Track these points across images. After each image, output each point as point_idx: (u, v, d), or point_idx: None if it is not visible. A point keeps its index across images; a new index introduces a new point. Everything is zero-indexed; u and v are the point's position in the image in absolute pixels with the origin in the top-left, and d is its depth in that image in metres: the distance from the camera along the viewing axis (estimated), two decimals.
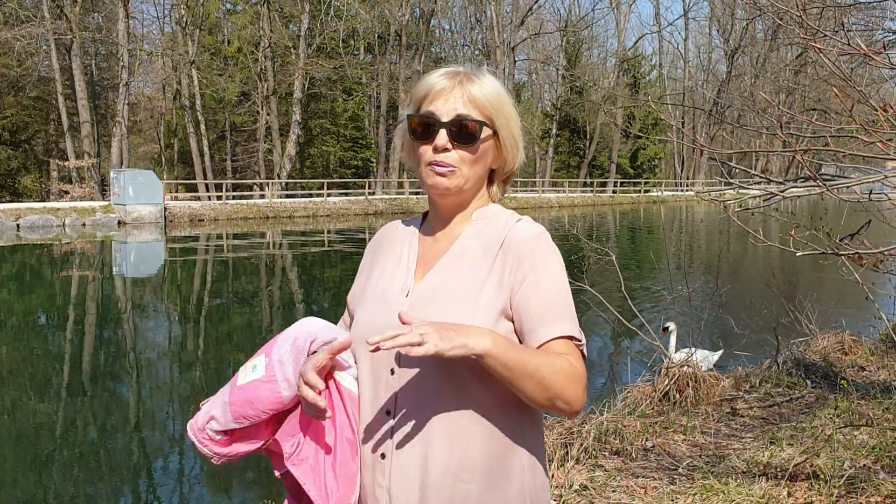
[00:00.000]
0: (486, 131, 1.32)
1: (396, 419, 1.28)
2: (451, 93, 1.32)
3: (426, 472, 1.25)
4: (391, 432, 1.28)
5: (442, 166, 1.32)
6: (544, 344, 1.26)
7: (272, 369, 1.35)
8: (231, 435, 1.39)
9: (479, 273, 1.30)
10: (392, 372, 1.29)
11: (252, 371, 1.38)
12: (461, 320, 1.23)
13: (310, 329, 1.38)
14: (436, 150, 1.31)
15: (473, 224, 1.38)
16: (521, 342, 1.28)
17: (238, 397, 1.36)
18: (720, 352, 6.99)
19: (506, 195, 1.47)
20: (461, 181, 1.33)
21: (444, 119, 1.30)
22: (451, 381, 1.25)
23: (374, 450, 1.30)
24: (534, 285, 1.28)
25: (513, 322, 1.29)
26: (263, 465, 5.36)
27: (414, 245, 1.42)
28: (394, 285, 1.37)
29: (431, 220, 1.42)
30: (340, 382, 1.33)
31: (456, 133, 1.31)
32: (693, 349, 5.81)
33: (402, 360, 1.28)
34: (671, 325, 7.46)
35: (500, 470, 1.27)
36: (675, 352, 7.32)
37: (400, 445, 1.27)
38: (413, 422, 1.26)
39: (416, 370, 1.27)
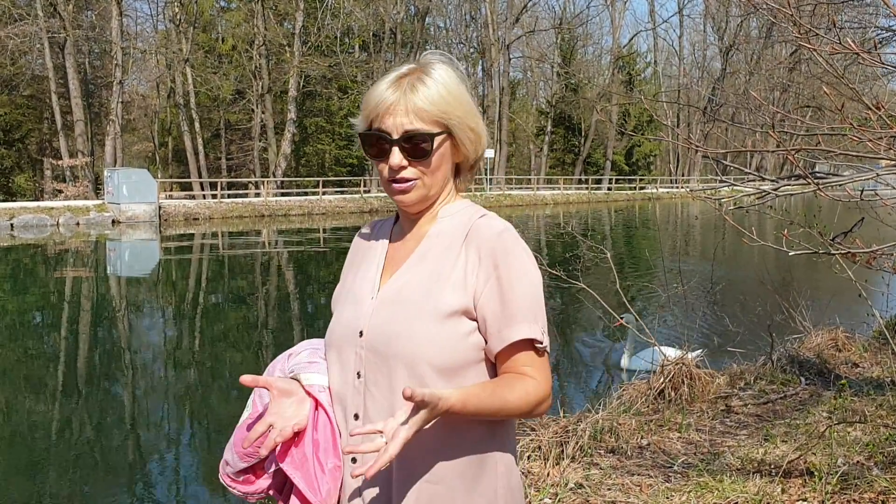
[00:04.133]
0: (438, 140, 1.29)
1: (364, 422, 1.30)
2: (397, 106, 1.28)
3: (393, 475, 1.26)
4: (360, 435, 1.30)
5: (402, 182, 1.31)
6: (505, 352, 1.27)
7: (255, 405, 1.41)
8: (254, 472, 1.42)
9: (441, 273, 1.30)
10: (358, 375, 1.31)
11: (246, 410, 1.44)
12: (421, 321, 1.26)
13: (286, 354, 1.44)
14: (392, 169, 1.30)
15: (439, 222, 1.37)
16: (486, 342, 1.29)
17: (238, 438, 1.40)
18: (699, 351, 6.95)
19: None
20: (424, 191, 1.33)
21: (395, 136, 1.28)
22: (418, 384, 1.26)
23: (346, 452, 1.31)
24: (496, 286, 1.26)
25: (477, 321, 1.28)
26: None
27: (385, 246, 1.42)
28: (364, 287, 1.38)
29: (402, 220, 1.43)
30: (306, 383, 1.36)
31: (408, 148, 1.28)
32: (686, 349, 5.80)
33: (368, 365, 1.30)
34: (629, 318, 7.29)
35: (468, 471, 1.28)
36: (638, 352, 7.31)
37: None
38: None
39: (381, 374, 1.28)
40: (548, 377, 1.28)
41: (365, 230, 1.50)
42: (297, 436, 1.33)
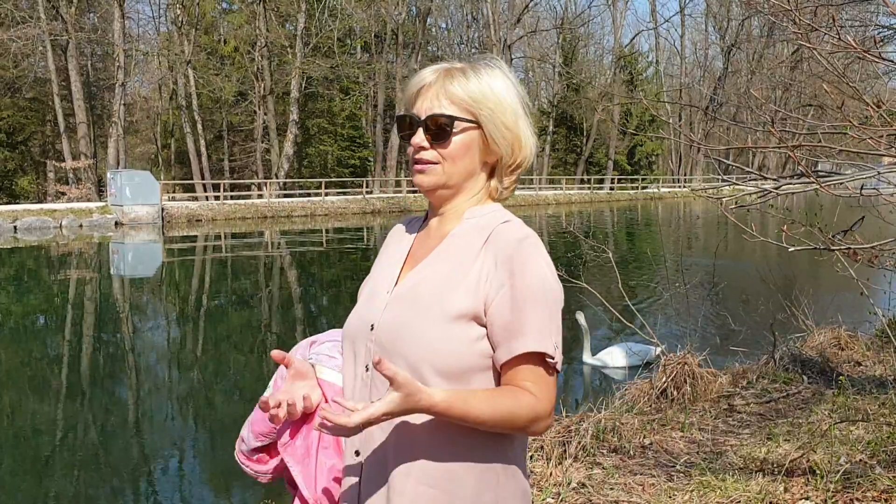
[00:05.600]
0: (460, 125, 1.29)
1: (361, 404, 1.28)
2: (430, 90, 1.31)
3: (391, 473, 1.25)
4: (364, 430, 1.28)
5: (420, 164, 1.32)
6: (511, 363, 1.23)
7: (277, 385, 1.43)
8: (268, 452, 1.44)
9: (455, 275, 1.28)
10: (367, 369, 1.31)
11: (268, 390, 1.46)
12: (427, 321, 1.25)
13: (308, 340, 1.46)
14: (414, 149, 1.32)
15: (463, 223, 1.35)
16: (493, 351, 1.25)
17: (256, 416, 1.42)
18: (662, 346, 7.03)
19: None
20: (441, 178, 1.32)
21: (422, 117, 1.30)
22: None
23: (351, 446, 1.32)
24: (508, 295, 1.23)
25: (486, 328, 1.25)
26: None
27: (410, 242, 1.42)
28: (383, 281, 1.38)
29: (429, 217, 1.42)
30: (321, 377, 1.38)
31: (433, 130, 1.30)
32: (689, 347, 5.80)
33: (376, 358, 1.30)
34: (578, 316, 7.47)
35: (467, 478, 1.25)
36: (597, 352, 7.58)
37: (370, 444, 1.28)
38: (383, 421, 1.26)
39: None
40: (550, 395, 1.23)
41: (397, 226, 1.50)
42: (303, 424, 1.34)
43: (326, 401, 1.35)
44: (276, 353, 1.32)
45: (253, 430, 1.41)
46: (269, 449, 1.43)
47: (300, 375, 1.36)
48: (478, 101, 1.29)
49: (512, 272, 1.24)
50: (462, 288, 1.25)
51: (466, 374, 1.24)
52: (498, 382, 1.27)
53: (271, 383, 1.45)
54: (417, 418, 1.24)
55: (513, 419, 1.20)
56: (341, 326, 1.46)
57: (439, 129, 1.29)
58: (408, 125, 1.33)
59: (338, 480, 1.34)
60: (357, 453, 1.31)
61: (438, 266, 1.31)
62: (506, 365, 1.24)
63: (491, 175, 1.37)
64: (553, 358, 1.22)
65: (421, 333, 1.24)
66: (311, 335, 1.52)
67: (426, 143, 1.30)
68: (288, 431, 1.36)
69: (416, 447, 1.24)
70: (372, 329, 1.31)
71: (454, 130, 1.29)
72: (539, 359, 1.22)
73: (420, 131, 1.30)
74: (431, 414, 1.17)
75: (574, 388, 7.42)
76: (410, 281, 1.32)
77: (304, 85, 39.35)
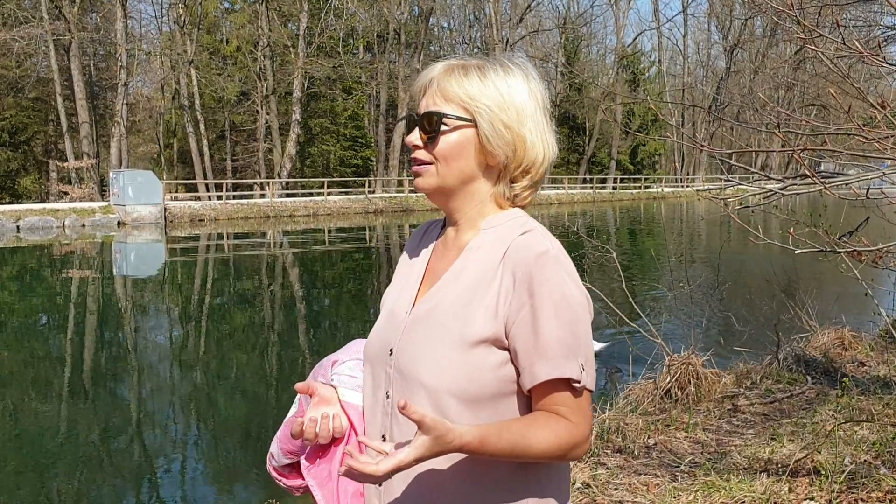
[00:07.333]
0: (452, 123, 1.20)
1: (389, 445, 1.19)
2: (430, 87, 1.24)
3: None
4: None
5: (416, 164, 1.25)
6: (539, 389, 1.15)
7: (301, 404, 1.41)
8: (300, 468, 1.42)
9: (473, 295, 1.19)
10: (387, 395, 1.25)
11: (293, 407, 1.45)
12: (445, 347, 1.18)
13: (330, 359, 1.44)
14: (409, 148, 1.26)
15: (481, 234, 1.25)
16: (518, 375, 1.17)
17: (283, 433, 1.40)
18: (605, 344, 7.09)
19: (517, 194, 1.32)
20: (436, 179, 1.23)
21: (419, 115, 1.25)
22: (439, 415, 1.16)
23: (341, 472, 1.26)
24: (529, 317, 1.14)
25: (508, 351, 1.17)
26: None
27: (428, 254, 1.34)
28: (402, 300, 1.31)
29: (446, 226, 1.33)
30: (343, 399, 1.35)
31: (428, 129, 1.22)
32: (693, 348, 5.81)
33: (395, 386, 1.23)
34: None
35: None
36: None
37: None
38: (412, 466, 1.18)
39: (406, 398, 1.19)
40: (586, 419, 1.15)
41: (417, 233, 1.42)
42: (329, 446, 1.32)
43: (352, 424, 1.31)
44: (299, 386, 1.28)
45: (282, 448, 1.39)
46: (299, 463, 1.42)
47: (324, 401, 1.31)
48: (474, 99, 1.20)
49: (532, 291, 1.14)
50: (481, 310, 1.17)
51: (490, 401, 1.17)
52: (525, 408, 1.20)
53: (296, 401, 1.43)
54: None
55: (550, 449, 1.13)
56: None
57: (432, 128, 1.22)
58: (407, 125, 1.27)
59: (360, 499, 1.31)
60: (379, 483, 1.24)
61: (457, 285, 1.22)
62: (533, 390, 1.16)
63: (499, 180, 1.26)
64: (578, 382, 1.14)
65: (440, 360, 1.17)
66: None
67: (419, 142, 1.23)
68: (311, 453, 1.34)
69: (442, 477, 1.17)
70: (391, 354, 1.24)
71: (445, 129, 1.21)
72: (567, 382, 1.14)
73: (416, 130, 1.24)
74: (464, 453, 1.10)
75: None
76: (428, 302, 1.24)
77: (306, 85, 39.38)
